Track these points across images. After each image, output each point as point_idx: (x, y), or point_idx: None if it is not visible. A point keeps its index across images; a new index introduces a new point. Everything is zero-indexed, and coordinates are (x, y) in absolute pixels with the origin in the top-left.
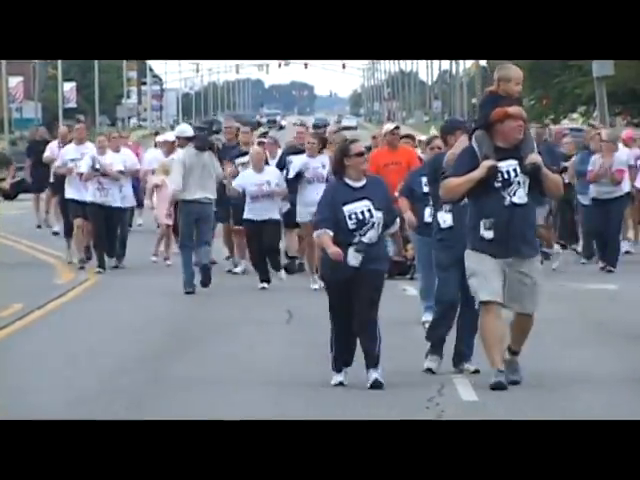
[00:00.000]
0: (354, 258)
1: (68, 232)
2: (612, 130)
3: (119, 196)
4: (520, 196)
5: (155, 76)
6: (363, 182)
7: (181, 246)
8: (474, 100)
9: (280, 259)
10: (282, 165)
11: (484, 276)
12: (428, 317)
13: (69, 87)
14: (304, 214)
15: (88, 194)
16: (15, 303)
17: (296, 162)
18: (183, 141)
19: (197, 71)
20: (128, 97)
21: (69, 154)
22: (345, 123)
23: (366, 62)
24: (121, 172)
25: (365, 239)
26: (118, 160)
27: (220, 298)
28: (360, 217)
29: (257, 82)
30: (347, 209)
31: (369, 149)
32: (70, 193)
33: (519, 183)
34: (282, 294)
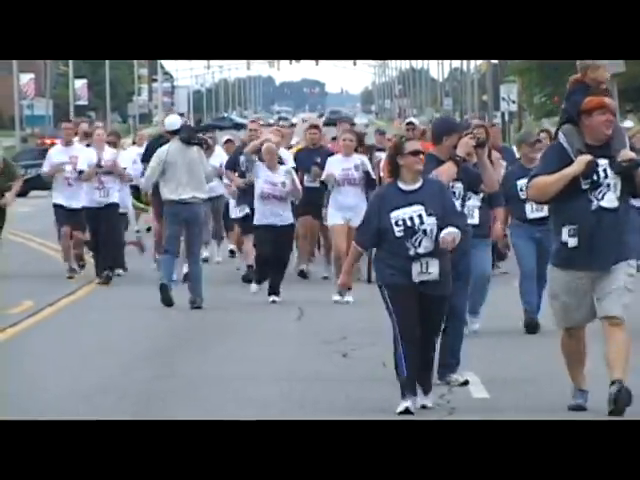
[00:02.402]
0: (418, 275)
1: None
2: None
3: (118, 195)
4: (610, 199)
5: (166, 73)
6: (418, 185)
7: (165, 251)
8: (485, 97)
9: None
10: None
11: (565, 302)
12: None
13: (80, 84)
14: (336, 217)
15: (83, 199)
16: (26, 300)
17: (329, 166)
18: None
19: (208, 68)
20: (139, 94)
21: (56, 157)
22: (356, 120)
23: None
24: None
25: (421, 250)
26: (125, 158)
27: (230, 296)
28: (409, 224)
29: (268, 79)
30: (394, 215)
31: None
32: (56, 198)
33: (609, 185)
34: (292, 291)
